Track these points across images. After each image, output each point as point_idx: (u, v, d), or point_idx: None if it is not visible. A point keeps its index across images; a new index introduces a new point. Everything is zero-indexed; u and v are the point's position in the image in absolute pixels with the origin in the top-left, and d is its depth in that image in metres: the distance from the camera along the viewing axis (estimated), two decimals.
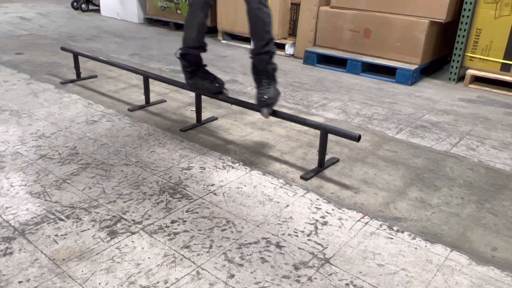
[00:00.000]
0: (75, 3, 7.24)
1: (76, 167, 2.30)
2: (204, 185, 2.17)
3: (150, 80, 3.18)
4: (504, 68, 3.73)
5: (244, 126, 2.90)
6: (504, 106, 3.45)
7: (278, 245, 1.75)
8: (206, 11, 2.48)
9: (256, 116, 3.02)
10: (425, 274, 1.62)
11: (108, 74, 3.90)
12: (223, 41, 5.37)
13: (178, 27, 6.07)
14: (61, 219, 1.87)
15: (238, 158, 2.46)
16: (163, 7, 5.98)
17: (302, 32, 4.63)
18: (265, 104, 2.40)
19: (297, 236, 1.81)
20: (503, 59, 3.71)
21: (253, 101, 2.53)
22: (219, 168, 2.34)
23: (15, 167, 2.28)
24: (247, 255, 1.69)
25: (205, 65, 2.68)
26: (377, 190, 2.18)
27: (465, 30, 3.82)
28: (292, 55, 4.81)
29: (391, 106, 3.38)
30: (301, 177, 2.26)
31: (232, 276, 1.58)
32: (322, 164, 2.36)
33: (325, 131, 2.30)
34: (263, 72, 2.43)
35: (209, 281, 1.55)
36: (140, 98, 3.30)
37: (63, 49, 3.80)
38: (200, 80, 2.65)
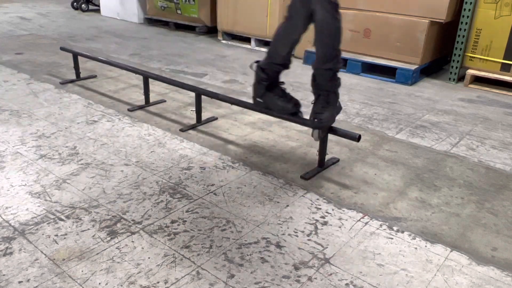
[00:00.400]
0: (75, 3, 7.25)
1: (76, 167, 2.30)
2: (204, 185, 2.17)
3: (150, 80, 3.18)
4: (504, 68, 3.73)
5: (244, 126, 2.90)
6: (504, 106, 3.45)
7: (278, 245, 1.75)
8: (307, 25, 2.17)
9: (256, 116, 3.02)
10: (425, 274, 1.62)
11: (108, 74, 3.90)
12: (223, 41, 5.37)
13: (178, 27, 6.07)
14: (61, 219, 1.87)
15: (238, 158, 2.46)
16: (163, 7, 5.98)
17: None
18: (317, 126, 2.24)
19: (297, 236, 1.81)
20: (503, 59, 3.71)
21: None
22: (219, 168, 2.34)
23: (15, 167, 2.28)
24: (247, 255, 1.69)
25: (283, 83, 2.43)
26: (377, 190, 2.18)
27: (465, 30, 3.82)
28: (292, 55, 4.80)
29: (391, 106, 3.38)
30: (301, 177, 2.26)
31: (232, 276, 1.58)
32: (322, 164, 2.36)
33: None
34: (322, 87, 2.21)
35: (209, 281, 1.55)
36: (140, 98, 3.30)
37: (63, 49, 3.80)
38: (274, 97, 2.37)
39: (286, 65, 2.36)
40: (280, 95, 2.38)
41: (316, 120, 2.21)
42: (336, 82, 2.22)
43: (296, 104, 2.36)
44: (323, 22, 2.06)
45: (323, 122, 2.21)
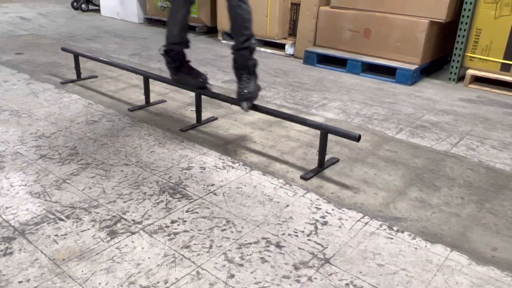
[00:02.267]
0: (75, 3, 7.25)
1: (76, 167, 2.30)
2: (204, 185, 2.17)
3: (150, 80, 3.18)
4: (504, 68, 3.73)
5: (244, 126, 2.90)
6: (504, 106, 3.45)
7: (278, 245, 1.75)
8: (188, 7, 2.56)
9: (256, 116, 3.02)
10: (425, 274, 1.62)
11: (108, 74, 3.90)
12: (223, 41, 5.37)
13: None
14: (61, 219, 1.87)
15: (238, 158, 2.46)
16: (163, 7, 5.98)
17: (302, 32, 4.63)
18: (245, 97, 2.45)
19: (297, 236, 1.81)
20: (503, 59, 3.71)
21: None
22: (219, 168, 2.34)
23: (15, 167, 2.28)
24: (247, 255, 1.69)
25: (189, 61, 2.78)
26: (377, 190, 2.18)
27: (465, 30, 3.82)
28: (292, 55, 4.81)
29: (391, 106, 3.38)
30: (301, 177, 2.26)
31: (232, 276, 1.58)
32: (322, 164, 2.36)
33: (325, 131, 2.30)
34: (244, 67, 2.50)
35: (209, 281, 1.55)
36: (140, 98, 3.30)
37: (63, 49, 3.80)
38: (184, 75, 2.76)
39: (184, 43, 2.70)
40: (187, 72, 2.76)
41: (242, 93, 2.45)
42: (254, 61, 2.52)
43: (204, 78, 2.74)
44: (236, 6, 2.38)
45: (250, 94, 2.45)
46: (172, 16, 2.60)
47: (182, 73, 2.76)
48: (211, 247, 1.73)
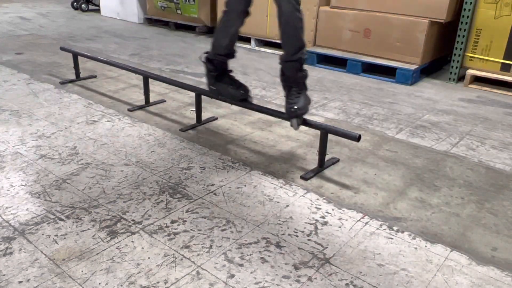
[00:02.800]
0: (75, 3, 7.25)
1: (76, 167, 2.30)
2: (204, 185, 2.17)
3: (150, 80, 3.18)
4: (504, 68, 3.73)
5: (244, 126, 2.90)
6: (504, 106, 3.45)
7: (278, 245, 1.75)
8: (243, 19, 2.34)
9: (256, 116, 3.02)
10: (425, 274, 1.62)
11: (108, 74, 3.90)
12: None
13: (178, 27, 6.07)
14: (61, 219, 1.87)
15: (238, 158, 2.46)
16: (163, 7, 5.98)
17: None
18: (295, 114, 2.29)
19: (297, 236, 1.81)
20: (503, 59, 3.71)
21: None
22: (219, 168, 2.34)
23: (15, 167, 2.28)
24: (247, 255, 1.69)
25: (231, 71, 2.58)
26: (377, 190, 2.18)
27: (465, 30, 3.82)
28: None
29: (391, 106, 3.38)
30: (301, 177, 2.26)
31: (232, 276, 1.58)
32: (322, 164, 2.36)
33: (325, 131, 2.30)
34: (292, 80, 2.30)
35: (209, 281, 1.55)
36: (140, 98, 3.30)
37: (62, 49, 3.80)
38: (225, 86, 2.54)
39: (229, 55, 2.50)
40: (229, 83, 2.55)
41: (292, 109, 2.28)
42: (304, 73, 2.32)
43: (245, 90, 2.52)
44: (288, 14, 2.16)
45: (300, 110, 2.29)
46: (225, 28, 2.38)
47: (222, 83, 2.54)
48: (211, 247, 1.73)
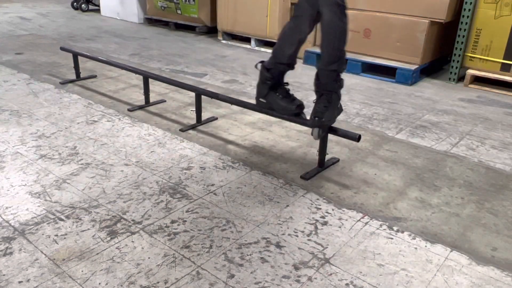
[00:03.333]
0: (75, 3, 7.25)
1: (76, 167, 2.30)
2: (204, 185, 2.17)
3: (150, 80, 3.18)
4: (504, 68, 3.73)
5: (244, 126, 2.90)
6: (504, 106, 3.45)
7: (278, 245, 1.75)
8: (313, 26, 2.20)
9: (256, 116, 3.02)
10: (425, 274, 1.62)
11: (108, 74, 3.90)
12: (223, 41, 5.37)
13: (178, 27, 6.07)
14: (61, 219, 1.87)
15: (238, 158, 2.46)
16: (163, 7, 5.98)
17: None
18: (317, 125, 2.20)
19: (297, 236, 1.81)
20: (503, 59, 3.71)
21: (250, 101, 2.47)
22: (219, 168, 2.34)
23: (15, 167, 2.28)
24: (247, 255, 1.69)
25: (287, 83, 2.41)
26: (377, 190, 2.18)
27: (465, 30, 3.82)
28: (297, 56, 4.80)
29: (391, 106, 3.38)
30: (301, 177, 2.26)
31: (232, 276, 1.58)
32: (322, 164, 2.36)
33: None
34: (324, 87, 2.20)
35: (209, 281, 1.55)
36: (140, 98, 3.29)
37: (62, 49, 3.80)
38: (279, 98, 2.36)
39: (291, 65, 2.34)
40: (283, 95, 2.37)
41: (317, 118, 2.18)
42: (339, 83, 2.22)
43: (300, 105, 2.34)
44: (330, 23, 2.07)
45: (324, 122, 2.19)
46: (292, 34, 2.23)
47: (276, 94, 2.36)
48: (211, 247, 1.73)
